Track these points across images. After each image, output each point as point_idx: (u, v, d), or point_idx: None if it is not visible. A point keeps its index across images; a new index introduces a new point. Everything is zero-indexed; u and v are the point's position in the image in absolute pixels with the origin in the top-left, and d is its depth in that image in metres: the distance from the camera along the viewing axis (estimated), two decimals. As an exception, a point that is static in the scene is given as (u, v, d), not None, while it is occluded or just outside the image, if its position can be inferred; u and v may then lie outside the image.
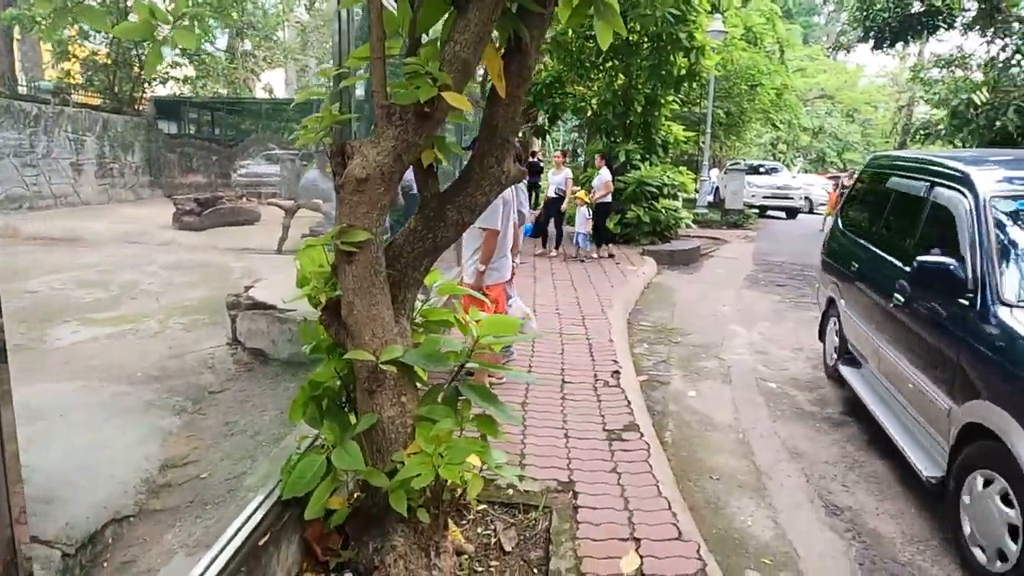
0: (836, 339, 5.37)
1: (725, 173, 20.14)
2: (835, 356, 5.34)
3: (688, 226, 13.40)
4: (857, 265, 4.97)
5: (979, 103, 11.92)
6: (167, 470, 3.59)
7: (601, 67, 12.82)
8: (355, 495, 2.74)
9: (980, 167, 3.86)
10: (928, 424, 3.55)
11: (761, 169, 23.83)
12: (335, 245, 2.26)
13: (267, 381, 5.00)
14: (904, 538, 3.31)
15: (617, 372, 5.15)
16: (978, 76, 16.06)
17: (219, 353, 5.40)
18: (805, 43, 36.25)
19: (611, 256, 10.72)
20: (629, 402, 4.54)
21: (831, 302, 5.53)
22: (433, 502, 2.44)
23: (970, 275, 3.28)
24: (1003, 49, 14.46)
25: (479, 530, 2.96)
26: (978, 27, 15.60)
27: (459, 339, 2.59)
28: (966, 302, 3.25)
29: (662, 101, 12.77)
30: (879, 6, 16.61)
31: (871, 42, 16.63)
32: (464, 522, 2.97)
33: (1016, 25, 15.14)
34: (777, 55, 24.65)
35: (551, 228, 10.81)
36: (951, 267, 3.34)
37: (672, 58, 11.78)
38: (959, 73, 17.77)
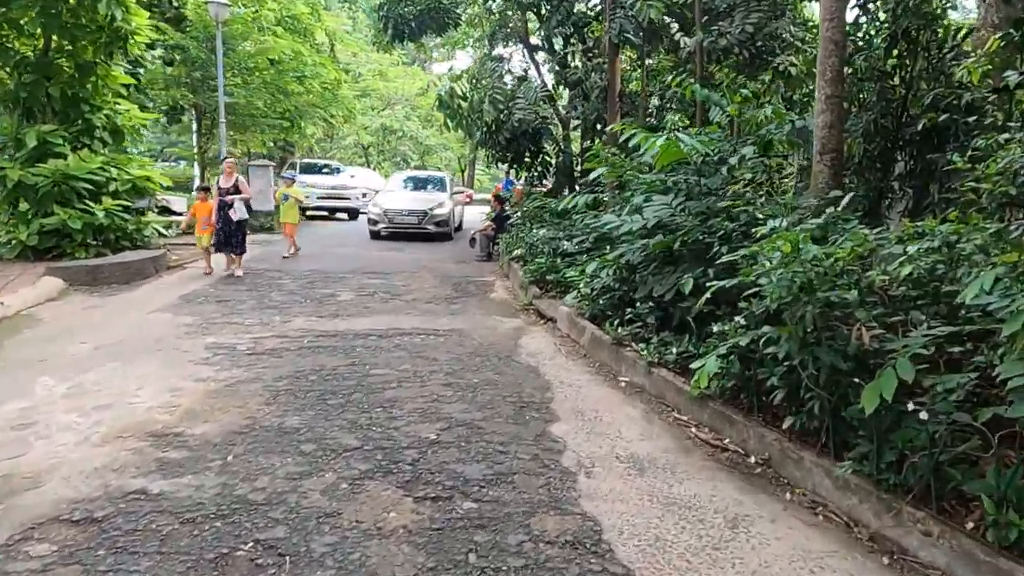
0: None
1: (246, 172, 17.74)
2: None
3: (162, 234, 10.65)
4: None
5: (460, 92, 11.78)
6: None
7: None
8: None
9: None
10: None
11: (325, 169, 22.34)
12: None
13: None
14: None
15: None
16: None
17: None
18: (385, 52, 36.65)
19: None
20: None
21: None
22: None
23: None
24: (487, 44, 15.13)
25: None
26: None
27: None
28: None
29: (100, 72, 9.73)
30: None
31: (389, 33, 16.18)
32: None
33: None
34: (328, 49, 23.46)
35: None
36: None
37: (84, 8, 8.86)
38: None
